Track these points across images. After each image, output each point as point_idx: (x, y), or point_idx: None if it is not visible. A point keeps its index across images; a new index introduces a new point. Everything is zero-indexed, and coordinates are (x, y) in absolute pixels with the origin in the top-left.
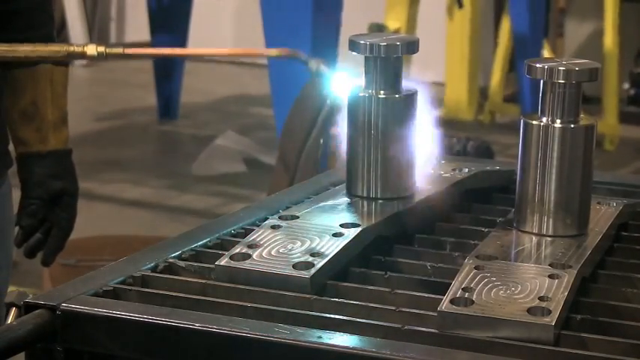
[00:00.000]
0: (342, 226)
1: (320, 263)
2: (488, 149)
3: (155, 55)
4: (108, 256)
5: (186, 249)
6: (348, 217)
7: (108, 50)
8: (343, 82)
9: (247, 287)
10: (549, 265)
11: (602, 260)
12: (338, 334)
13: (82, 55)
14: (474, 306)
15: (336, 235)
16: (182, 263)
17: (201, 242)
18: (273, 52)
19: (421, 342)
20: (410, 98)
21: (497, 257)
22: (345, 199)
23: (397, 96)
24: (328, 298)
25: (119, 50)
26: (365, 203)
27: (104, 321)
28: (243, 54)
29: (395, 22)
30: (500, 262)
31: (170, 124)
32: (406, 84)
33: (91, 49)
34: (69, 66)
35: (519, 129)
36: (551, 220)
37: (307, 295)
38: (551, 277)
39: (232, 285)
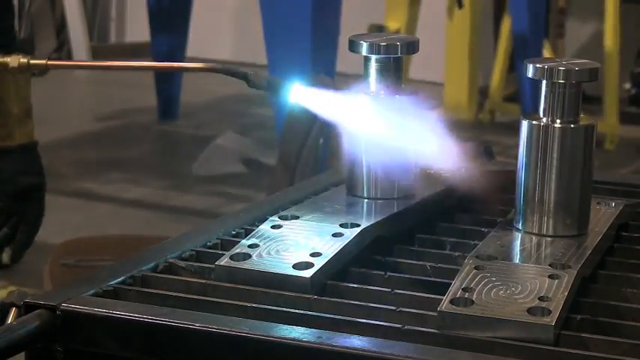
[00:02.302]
0: (342, 226)
1: (320, 263)
2: (489, 149)
3: (77, 67)
4: (108, 256)
5: (186, 249)
6: (348, 217)
7: (31, 62)
8: (290, 90)
9: (247, 287)
10: (549, 265)
11: (602, 260)
12: (338, 334)
13: (5, 67)
14: (473, 306)
15: (336, 235)
16: (182, 263)
17: (201, 242)
18: (198, 66)
19: (421, 342)
20: (409, 98)
21: (497, 257)
22: (345, 199)
23: (397, 96)
24: (328, 298)
25: (42, 62)
26: (365, 203)
27: (104, 321)
28: (167, 68)
29: (395, 22)
30: (500, 262)
31: (170, 124)
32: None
33: (14, 61)
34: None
35: (519, 129)
36: (551, 220)
37: (307, 295)
38: (551, 277)
39: (232, 285)
